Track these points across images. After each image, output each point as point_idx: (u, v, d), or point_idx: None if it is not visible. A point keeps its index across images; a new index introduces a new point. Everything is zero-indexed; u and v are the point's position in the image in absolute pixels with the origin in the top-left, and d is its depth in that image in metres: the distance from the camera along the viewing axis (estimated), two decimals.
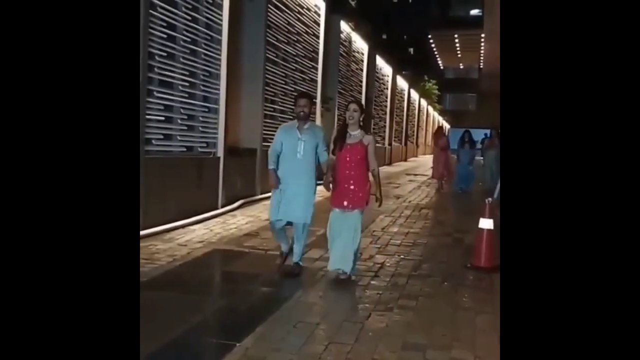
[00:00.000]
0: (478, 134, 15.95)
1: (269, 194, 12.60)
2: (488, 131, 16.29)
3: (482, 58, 26.69)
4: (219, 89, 8.59)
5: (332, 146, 5.03)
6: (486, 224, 5.76)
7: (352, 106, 5.03)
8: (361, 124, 4.98)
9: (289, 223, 5.15)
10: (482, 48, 24.62)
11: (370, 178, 5.03)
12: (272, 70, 10.70)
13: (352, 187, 4.90)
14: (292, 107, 14.16)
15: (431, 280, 5.28)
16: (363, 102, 20.05)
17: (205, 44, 8.15)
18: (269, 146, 12.26)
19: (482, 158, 15.59)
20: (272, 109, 10.80)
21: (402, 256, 6.24)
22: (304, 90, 12.53)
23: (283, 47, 11.24)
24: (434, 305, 4.49)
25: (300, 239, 5.20)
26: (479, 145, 15.32)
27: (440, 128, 18.00)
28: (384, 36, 23.46)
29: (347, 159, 4.91)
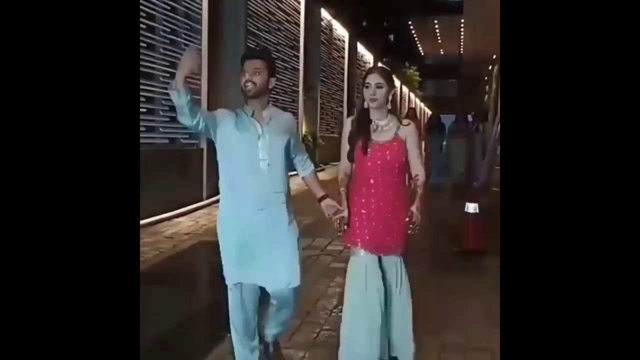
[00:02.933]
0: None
1: None
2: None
3: (462, 44, 26.73)
4: (200, 79, 8.50)
5: (345, 147, 2.90)
6: (472, 207, 5.80)
7: (373, 78, 2.81)
8: (390, 106, 2.88)
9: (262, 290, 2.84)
10: (462, 34, 24.66)
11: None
12: None
13: (389, 214, 2.84)
14: (275, 96, 14.01)
15: (421, 265, 5.30)
16: (345, 90, 20.08)
17: (185, 34, 8.05)
18: None
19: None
20: None
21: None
22: (286, 79, 12.47)
23: (264, 35, 11.16)
24: (424, 290, 4.50)
25: (284, 309, 2.88)
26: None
27: (411, 110, 13.98)
28: (364, 23, 23.35)
29: (378, 167, 2.82)
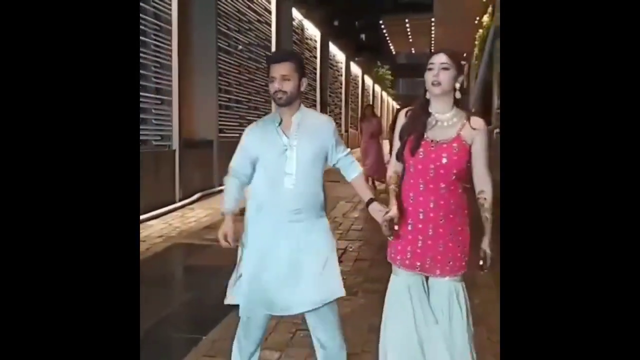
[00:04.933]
0: None
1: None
2: None
3: (433, 42, 26.98)
4: (171, 81, 8.41)
5: (395, 144, 2.48)
6: None
7: (438, 58, 2.34)
8: (457, 96, 2.38)
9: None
10: (432, 32, 24.89)
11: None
12: (225, 59, 10.54)
13: (440, 228, 2.36)
14: (248, 96, 13.92)
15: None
16: (318, 89, 20.11)
17: (154, 35, 7.95)
18: (225, 137, 11.82)
19: None
20: (227, 99, 10.66)
21: (364, 241, 6.28)
22: (258, 80, 12.43)
23: (235, 35, 11.09)
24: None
25: (332, 335, 2.54)
26: None
27: (369, 107, 12.12)
28: (336, 23, 23.44)
29: (430, 171, 2.33)
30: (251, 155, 2.52)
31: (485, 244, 2.31)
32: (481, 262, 2.31)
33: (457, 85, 2.35)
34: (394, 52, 43.33)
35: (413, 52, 43.35)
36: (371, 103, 24.28)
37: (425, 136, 2.35)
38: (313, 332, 2.58)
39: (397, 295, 2.43)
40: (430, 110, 2.40)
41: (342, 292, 2.50)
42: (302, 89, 2.52)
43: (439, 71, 2.31)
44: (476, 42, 21.55)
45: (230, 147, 10.32)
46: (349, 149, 2.64)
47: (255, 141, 2.53)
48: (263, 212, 2.50)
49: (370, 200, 2.53)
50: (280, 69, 2.44)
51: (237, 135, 12.05)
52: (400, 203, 2.39)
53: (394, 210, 2.32)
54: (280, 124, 2.49)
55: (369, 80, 32.80)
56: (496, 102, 17.28)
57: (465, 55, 23.35)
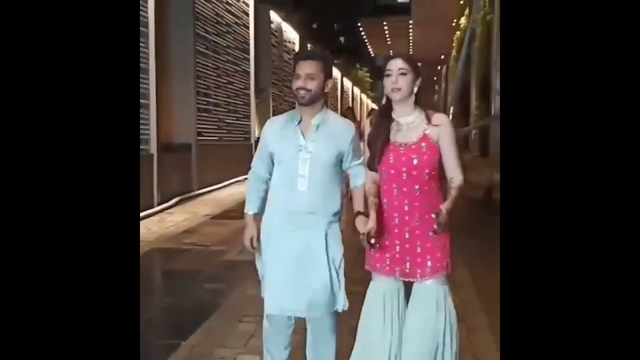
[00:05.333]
0: None
1: (210, 189, 11.92)
2: None
3: (411, 44, 27.15)
4: (148, 84, 8.33)
5: (366, 151, 2.44)
6: None
7: (395, 64, 2.33)
8: (413, 97, 2.36)
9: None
10: (410, 35, 25.05)
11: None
12: (203, 62, 10.48)
13: (417, 230, 2.32)
14: (227, 99, 13.85)
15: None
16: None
17: None
18: (204, 140, 11.73)
19: None
20: (205, 102, 10.59)
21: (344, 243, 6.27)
22: (237, 82, 12.39)
23: (213, 38, 11.03)
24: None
25: (324, 344, 2.61)
26: None
27: (349, 110, 11.92)
28: (315, 25, 23.47)
29: (403, 174, 2.31)
30: (269, 150, 2.51)
31: (444, 206, 2.19)
32: (435, 226, 2.19)
33: (416, 89, 2.34)
34: (372, 55, 43.55)
35: (391, 54, 43.56)
36: (350, 105, 24.30)
37: (392, 141, 2.33)
38: (310, 342, 2.60)
39: (371, 302, 2.39)
40: (393, 116, 2.37)
41: (346, 305, 2.51)
42: (327, 90, 2.46)
43: (397, 77, 2.30)
44: (454, 44, 21.77)
45: (209, 150, 10.34)
46: (362, 158, 2.54)
47: (273, 136, 2.50)
48: (277, 212, 2.47)
49: (358, 213, 2.48)
50: (306, 67, 2.38)
51: (216, 138, 11.93)
52: (380, 214, 2.34)
53: (370, 224, 2.28)
54: (299, 122, 2.44)
55: (348, 83, 32.89)
56: (474, 102, 17.47)
57: (443, 57, 23.53)
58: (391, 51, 42.44)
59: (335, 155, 2.45)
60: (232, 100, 12.14)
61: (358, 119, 11.94)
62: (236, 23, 12.61)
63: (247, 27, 13.47)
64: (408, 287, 2.37)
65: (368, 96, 41.67)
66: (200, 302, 4.24)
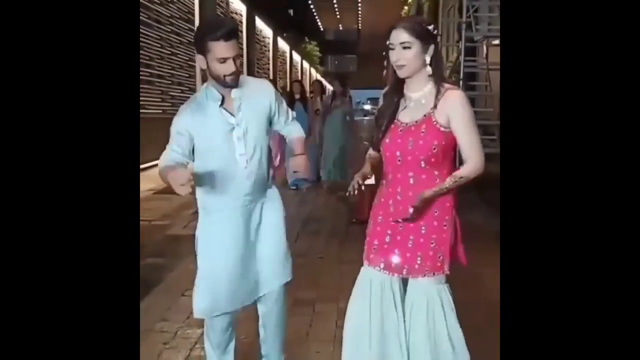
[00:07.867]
0: (360, 96, 13.61)
1: (152, 163, 11.76)
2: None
3: (360, 19, 27.14)
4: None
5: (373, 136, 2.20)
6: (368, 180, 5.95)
7: (396, 36, 2.00)
8: (430, 69, 2.03)
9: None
10: (359, 9, 25.02)
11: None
12: (146, 32, 10.16)
13: (411, 222, 2.07)
14: (171, 71, 13.42)
15: (319, 237, 5.41)
16: (245, 64, 19.77)
17: None
18: (147, 113, 11.42)
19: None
20: (148, 74, 10.30)
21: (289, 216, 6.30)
22: (182, 54, 12.08)
23: (157, 8, 10.70)
24: (321, 261, 4.61)
25: (277, 327, 2.56)
26: None
27: (297, 83, 10.22)
28: None
29: (397, 158, 2.06)
30: (189, 136, 2.26)
31: (428, 190, 1.97)
32: (410, 209, 1.98)
33: (428, 59, 2.01)
34: (322, 29, 43.31)
35: (341, 28, 43.45)
36: (300, 79, 24.13)
37: (396, 119, 2.07)
38: (262, 323, 2.56)
39: (359, 286, 2.19)
40: (404, 90, 2.09)
41: (289, 276, 2.49)
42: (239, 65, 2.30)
43: (400, 52, 1.98)
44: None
45: (152, 123, 10.09)
46: (291, 114, 2.50)
47: (190, 121, 2.25)
48: (217, 205, 2.33)
49: (297, 154, 2.44)
50: (232, 49, 2.14)
51: (160, 111, 11.62)
52: (379, 193, 2.18)
53: (363, 175, 2.17)
54: (222, 103, 2.25)
55: (297, 57, 32.63)
56: None
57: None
58: (340, 25, 42.33)
59: (266, 118, 2.35)
60: (176, 72, 11.86)
61: (308, 92, 11.81)
62: None
63: None
64: (405, 280, 2.14)
65: (317, 70, 41.50)
66: (143, 276, 4.16)
